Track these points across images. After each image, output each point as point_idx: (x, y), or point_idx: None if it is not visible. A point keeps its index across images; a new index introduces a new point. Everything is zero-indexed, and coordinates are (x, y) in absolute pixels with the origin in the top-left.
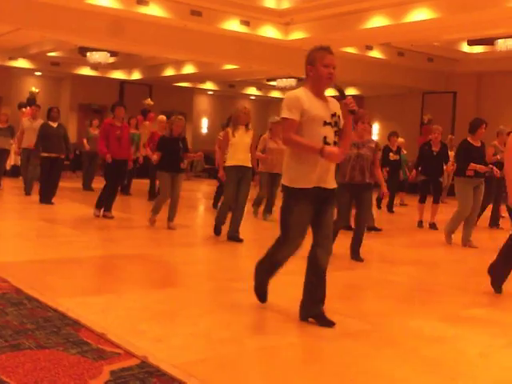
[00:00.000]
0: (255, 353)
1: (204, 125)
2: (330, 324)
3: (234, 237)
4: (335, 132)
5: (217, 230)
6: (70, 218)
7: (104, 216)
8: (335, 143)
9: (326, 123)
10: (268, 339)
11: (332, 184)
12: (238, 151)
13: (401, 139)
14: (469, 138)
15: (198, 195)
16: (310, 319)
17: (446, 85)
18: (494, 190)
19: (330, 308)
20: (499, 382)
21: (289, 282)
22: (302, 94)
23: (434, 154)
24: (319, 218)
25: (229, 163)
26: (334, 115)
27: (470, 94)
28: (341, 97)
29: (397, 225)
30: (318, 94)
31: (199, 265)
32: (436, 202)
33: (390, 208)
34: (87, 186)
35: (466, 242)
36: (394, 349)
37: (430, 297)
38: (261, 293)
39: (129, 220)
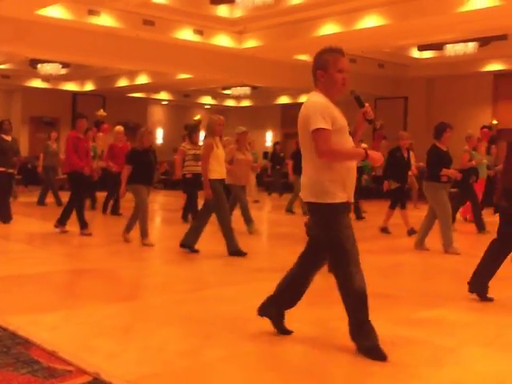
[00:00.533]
0: (211, 364)
1: (159, 135)
2: (287, 332)
3: (190, 247)
4: None
5: (239, 252)
6: (24, 234)
7: (60, 230)
8: None
9: (349, 133)
10: (225, 350)
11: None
12: (221, 163)
13: (364, 144)
14: (437, 143)
15: (155, 207)
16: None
17: (397, 90)
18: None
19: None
20: (452, 382)
21: (244, 291)
22: (326, 101)
23: (405, 160)
24: None
25: (215, 176)
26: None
27: (420, 99)
28: (359, 105)
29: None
30: (331, 101)
31: (155, 277)
32: (405, 207)
33: (358, 215)
34: (42, 202)
35: (420, 245)
36: (349, 354)
37: (382, 301)
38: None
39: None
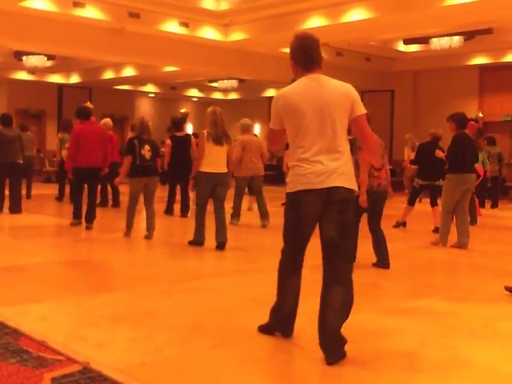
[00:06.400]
0: (198, 354)
1: None
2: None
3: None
4: None
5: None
6: (8, 226)
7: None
8: None
9: None
10: (212, 340)
11: None
12: (213, 156)
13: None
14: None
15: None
16: None
17: (384, 83)
18: None
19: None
20: (438, 370)
21: (233, 282)
22: None
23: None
24: None
25: (202, 169)
26: None
27: (407, 92)
28: None
29: None
30: None
31: (144, 268)
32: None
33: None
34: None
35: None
36: None
37: (371, 291)
38: None
39: (71, 227)
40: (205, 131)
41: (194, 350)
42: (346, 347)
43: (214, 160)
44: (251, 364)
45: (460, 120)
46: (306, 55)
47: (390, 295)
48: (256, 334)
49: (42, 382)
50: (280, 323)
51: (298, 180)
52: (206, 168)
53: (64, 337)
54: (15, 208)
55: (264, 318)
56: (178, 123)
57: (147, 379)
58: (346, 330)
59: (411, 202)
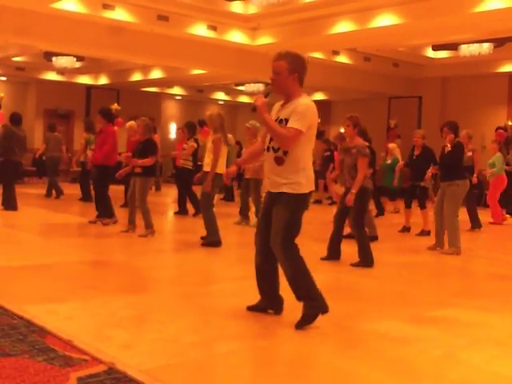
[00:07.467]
0: (223, 357)
1: (172, 130)
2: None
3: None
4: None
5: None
6: (36, 224)
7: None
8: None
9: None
10: (236, 343)
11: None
12: (224, 158)
13: (393, 144)
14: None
15: (168, 200)
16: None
17: (412, 89)
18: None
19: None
20: (463, 381)
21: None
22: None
23: (414, 157)
24: None
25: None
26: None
27: (435, 99)
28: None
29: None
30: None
31: (167, 270)
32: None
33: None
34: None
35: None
36: (360, 350)
37: (395, 298)
38: None
39: (96, 226)
40: (220, 135)
41: (218, 352)
42: (367, 354)
43: (224, 162)
44: (277, 368)
45: (457, 128)
46: (304, 76)
47: (412, 303)
48: (282, 338)
49: (68, 381)
50: (322, 300)
51: (311, 183)
52: (220, 169)
53: (90, 337)
54: (12, 204)
55: (289, 321)
56: (195, 127)
57: (172, 381)
58: (367, 336)
59: (408, 205)
